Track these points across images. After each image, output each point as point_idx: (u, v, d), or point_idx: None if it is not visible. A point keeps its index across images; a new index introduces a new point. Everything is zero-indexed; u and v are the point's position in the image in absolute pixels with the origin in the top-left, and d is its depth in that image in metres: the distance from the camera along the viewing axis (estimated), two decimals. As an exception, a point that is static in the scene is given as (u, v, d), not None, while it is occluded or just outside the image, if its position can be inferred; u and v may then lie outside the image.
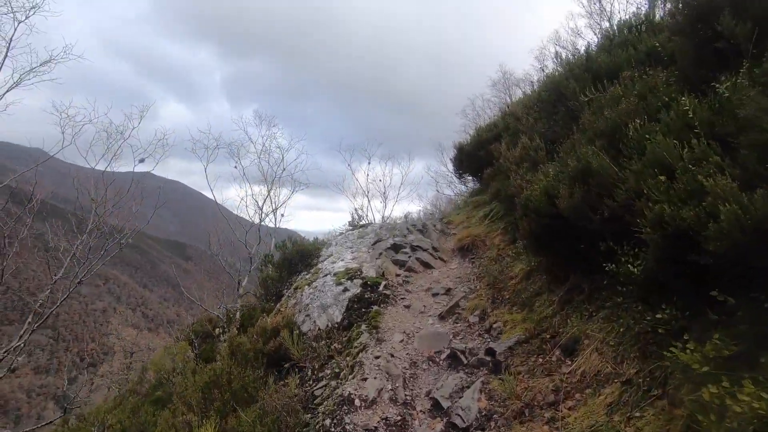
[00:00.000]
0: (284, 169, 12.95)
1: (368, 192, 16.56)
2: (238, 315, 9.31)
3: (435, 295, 6.71)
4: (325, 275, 7.30)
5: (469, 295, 6.29)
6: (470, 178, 12.13)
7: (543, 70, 17.34)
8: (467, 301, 6.11)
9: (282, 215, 14.91)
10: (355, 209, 11.52)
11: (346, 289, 6.65)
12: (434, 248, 8.36)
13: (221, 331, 9.77)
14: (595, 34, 14.59)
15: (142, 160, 9.89)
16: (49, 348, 74.53)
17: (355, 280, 6.86)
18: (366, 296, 6.50)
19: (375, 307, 6.23)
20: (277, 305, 7.55)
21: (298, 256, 8.45)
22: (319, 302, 6.56)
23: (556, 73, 8.42)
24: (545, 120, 7.32)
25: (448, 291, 6.73)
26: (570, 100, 7.04)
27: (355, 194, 15.95)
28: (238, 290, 10.88)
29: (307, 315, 6.50)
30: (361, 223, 10.31)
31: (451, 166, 17.85)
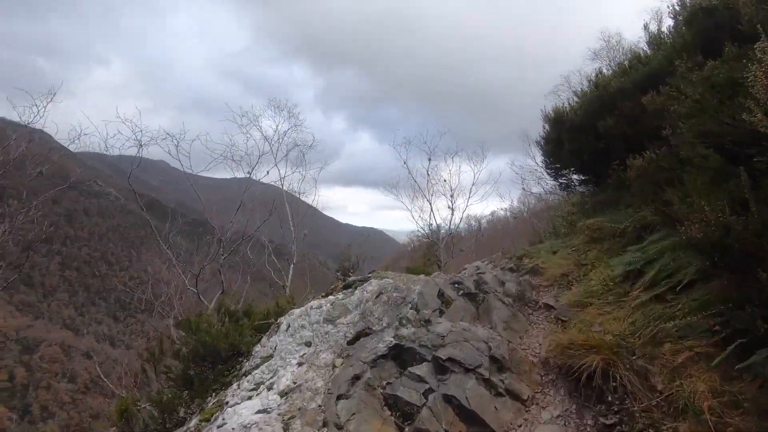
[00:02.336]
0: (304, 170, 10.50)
1: (431, 194, 12.63)
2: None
3: None
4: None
5: None
6: (576, 177, 6.48)
7: (660, 34, 11.09)
8: None
9: (305, 235, 12.25)
10: (348, 245, 7.02)
11: None
12: (495, 359, 3.32)
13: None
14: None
15: (40, 172, 6.92)
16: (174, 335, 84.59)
17: None
18: None
19: None
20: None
21: (213, 355, 4.13)
22: None
23: None
24: None
25: None
26: None
27: (413, 197, 12.87)
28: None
29: None
30: (351, 277, 5.47)
31: (539, 157, 12.86)
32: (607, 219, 4.61)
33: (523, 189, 15.12)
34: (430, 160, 13.10)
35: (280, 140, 10.75)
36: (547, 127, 6.48)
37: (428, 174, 13.12)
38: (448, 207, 12.93)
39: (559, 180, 6.88)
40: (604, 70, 6.43)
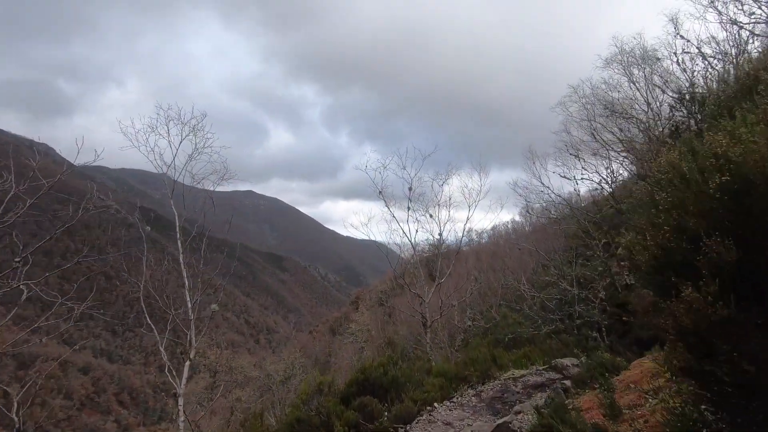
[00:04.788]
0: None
1: (414, 232, 11.03)
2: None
3: None
4: None
5: None
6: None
7: (682, 36, 10.80)
8: None
9: (214, 311, 9.67)
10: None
11: None
12: None
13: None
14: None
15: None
16: (170, 349, 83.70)
17: None
18: None
19: None
20: None
21: None
22: None
23: None
24: None
25: None
26: None
27: (389, 232, 11.12)
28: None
29: None
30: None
31: (548, 178, 11.93)
32: None
33: (528, 213, 14.70)
34: (411, 189, 10.89)
35: (176, 167, 8.20)
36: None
37: (409, 207, 10.82)
38: (436, 249, 11.47)
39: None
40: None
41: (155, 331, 6.82)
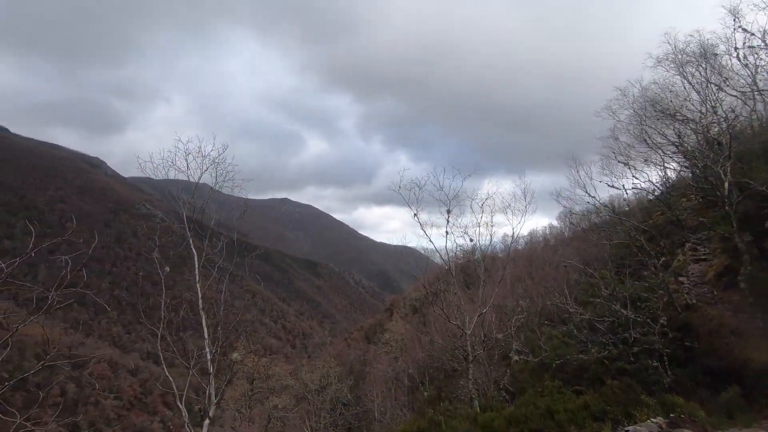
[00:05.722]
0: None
1: (452, 253, 10.75)
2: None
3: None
4: None
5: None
6: None
7: (744, 28, 9.76)
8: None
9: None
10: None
11: None
12: None
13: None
14: None
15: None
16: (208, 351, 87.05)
17: None
18: None
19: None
20: None
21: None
22: None
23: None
24: None
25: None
26: None
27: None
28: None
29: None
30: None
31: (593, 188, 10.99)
32: None
33: (570, 222, 14.09)
34: (449, 211, 10.87)
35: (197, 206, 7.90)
36: None
37: (447, 232, 10.74)
38: (475, 266, 11.28)
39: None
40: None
41: (175, 389, 6.60)
